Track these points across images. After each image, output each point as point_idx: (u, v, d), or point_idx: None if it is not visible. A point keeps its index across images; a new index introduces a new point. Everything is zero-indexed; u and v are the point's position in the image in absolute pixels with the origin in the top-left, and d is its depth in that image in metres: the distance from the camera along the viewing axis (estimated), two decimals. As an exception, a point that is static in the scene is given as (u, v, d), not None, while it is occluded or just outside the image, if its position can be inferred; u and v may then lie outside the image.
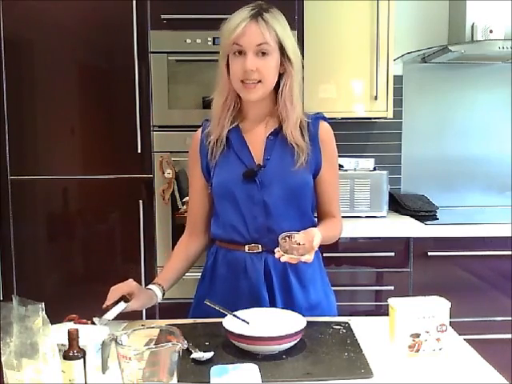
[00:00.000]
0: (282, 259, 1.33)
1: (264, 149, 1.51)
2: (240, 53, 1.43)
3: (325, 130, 1.55)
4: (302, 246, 1.33)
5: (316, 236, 1.35)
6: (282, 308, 1.46)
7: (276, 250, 1.35)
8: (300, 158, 1.48)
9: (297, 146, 1.48)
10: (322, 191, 1.57)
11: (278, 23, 1.45)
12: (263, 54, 1.43)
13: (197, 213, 1.61)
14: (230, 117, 1.51)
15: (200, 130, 1.60)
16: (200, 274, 1.63)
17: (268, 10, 1.46)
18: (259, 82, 1.44)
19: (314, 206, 1.60)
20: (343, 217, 2.57)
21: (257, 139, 1.52)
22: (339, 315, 1.56)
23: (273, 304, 1.49)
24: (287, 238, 1.35)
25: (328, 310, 1.58)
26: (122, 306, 1.35)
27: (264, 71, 1.43)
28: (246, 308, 1.38)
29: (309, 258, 1.33)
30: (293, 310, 1.38)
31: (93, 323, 1.26)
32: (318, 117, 1.56)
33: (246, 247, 1.50)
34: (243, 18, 1.42)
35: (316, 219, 1.60)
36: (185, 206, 2.44)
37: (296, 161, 1.48)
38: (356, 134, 3.04)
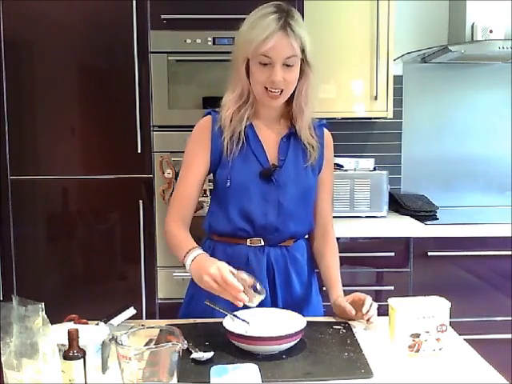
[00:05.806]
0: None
1: (278, 150, 1.52)
2: (265, 64, 1.42)
3: (329, 137, 1.61)
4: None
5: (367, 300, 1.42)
6: (282, 302, 1.49)
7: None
8: (311, 157, 1.52)
9: (310, 146, 1.52)
10: (322, 197, 1.60)
11: (303, 30, 1.44)
12: (288, 65, 1.43)
13: (189, 206, 1.52)
14: (247, 114, 1.50)
15: (209, 118, 1.53)
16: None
17: (291, 14, 1.43)
18: (281, 91, 1.45)
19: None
20: (343, 217, 2.57)
21: (270, 139, 1.53)
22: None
23: (273, 298, 1.50)
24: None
25: (318, 309, 1.60)
26: (130, 312, 1.34)
27: (289, 80, 1.44)
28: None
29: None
30: (292, 305, 1.41)
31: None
32: (322, 124, 1.60)
33: (248, 241, 1.50)
34: (272, 29, 1.39)
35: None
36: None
37: (308, 160, 1.51)
38: (356, 134, 3.04)
